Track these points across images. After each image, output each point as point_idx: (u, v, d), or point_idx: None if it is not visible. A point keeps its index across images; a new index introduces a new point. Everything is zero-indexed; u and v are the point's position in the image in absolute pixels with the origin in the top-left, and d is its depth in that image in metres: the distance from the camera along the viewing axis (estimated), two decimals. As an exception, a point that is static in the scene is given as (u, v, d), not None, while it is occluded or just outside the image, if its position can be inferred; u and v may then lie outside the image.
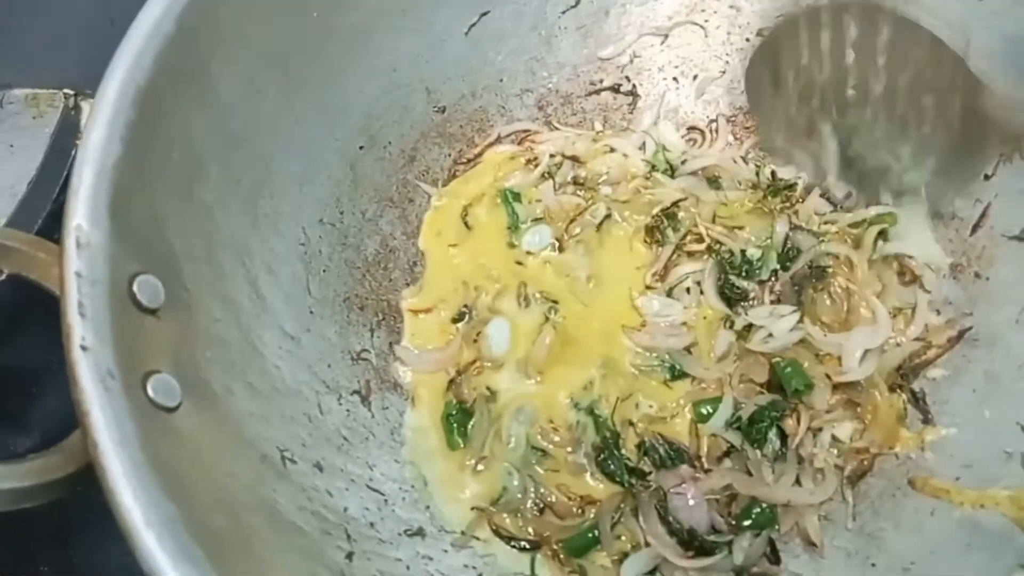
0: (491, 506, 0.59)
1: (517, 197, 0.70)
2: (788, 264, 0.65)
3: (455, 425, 0.62)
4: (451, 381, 0.64)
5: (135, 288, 0.44)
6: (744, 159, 0.71)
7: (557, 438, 0.61)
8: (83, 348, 0.39)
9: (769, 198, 0.69)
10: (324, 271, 0.62)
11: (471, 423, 0.62)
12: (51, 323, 0.41)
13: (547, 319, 0.65)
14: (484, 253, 0.69)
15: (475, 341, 0.65)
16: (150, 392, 0.42)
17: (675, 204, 0.67)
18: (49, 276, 0.43)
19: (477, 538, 0.57)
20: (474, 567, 0.57)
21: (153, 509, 0.37)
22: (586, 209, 0.68)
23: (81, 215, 0.42)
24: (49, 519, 0.59)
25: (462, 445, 0.61)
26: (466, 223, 0.70)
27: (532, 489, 0.59)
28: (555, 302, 0.65)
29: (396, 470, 0.59)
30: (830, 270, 0.64)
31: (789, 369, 0.61)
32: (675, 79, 0.73)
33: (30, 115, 0.70)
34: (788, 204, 0.68)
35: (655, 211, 0.67)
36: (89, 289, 0.41)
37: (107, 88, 0.45)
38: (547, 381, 0.63)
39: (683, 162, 0.71)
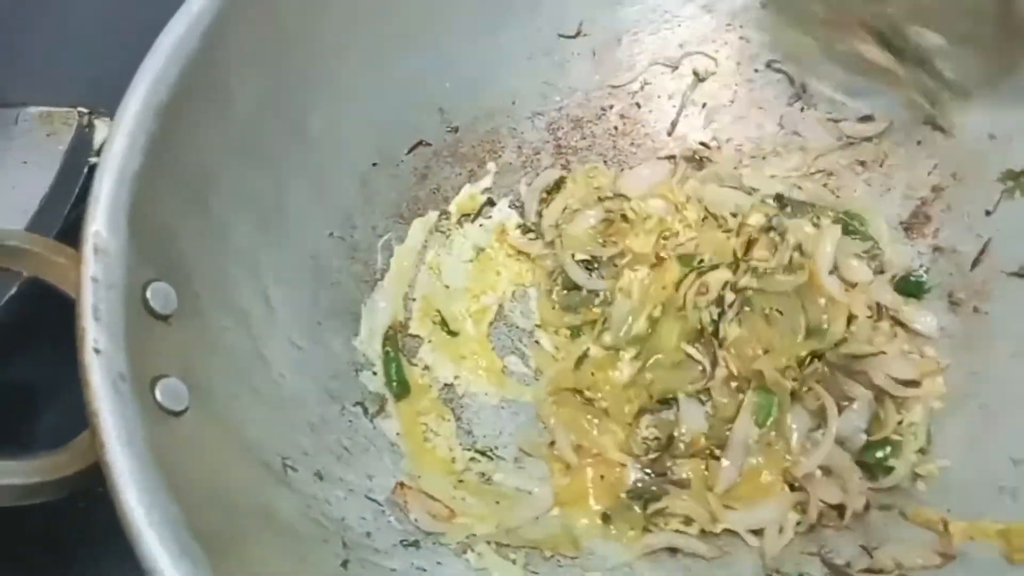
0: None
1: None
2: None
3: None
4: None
5: (148, 294, 0.45)
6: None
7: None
8: (96, 351, 0.41)
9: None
10: (332, 284, 0.63)
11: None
12: (63, 336, 0.42)
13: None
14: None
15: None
16: (158, 396, 0.43)
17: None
18: (66, 281, 0.44)
19: (472, 549, 0.58)
20: (467, 581, 0.57)
21: (156, 509, 0.39)
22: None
23: (100, 222, 0.44)
24: (47, 533, 0.60)
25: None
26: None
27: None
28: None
29: (394, 482, 0.59)
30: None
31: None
32: (684, 107, 0.74)
33: (44, 132, 0.69)
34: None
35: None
36: (104, 294, 0.42)
37: (130, 100, 0.47)
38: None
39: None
